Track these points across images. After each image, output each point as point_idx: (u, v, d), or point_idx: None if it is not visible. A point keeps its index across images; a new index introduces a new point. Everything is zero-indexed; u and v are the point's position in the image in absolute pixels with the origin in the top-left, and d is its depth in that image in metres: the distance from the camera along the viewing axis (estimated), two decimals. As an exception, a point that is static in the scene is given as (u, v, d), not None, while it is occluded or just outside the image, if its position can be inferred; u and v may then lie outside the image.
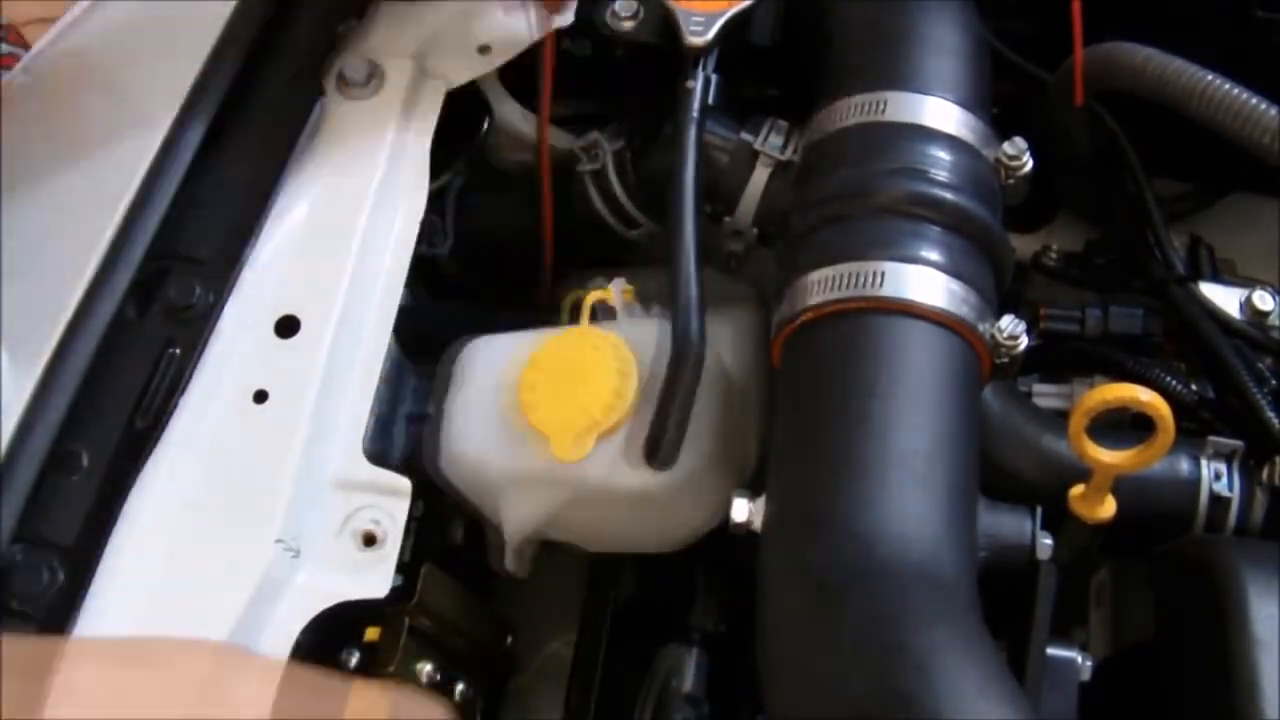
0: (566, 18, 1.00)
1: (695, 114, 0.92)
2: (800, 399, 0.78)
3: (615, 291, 0.90)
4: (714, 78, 0.94)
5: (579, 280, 1.00)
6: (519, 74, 1.05)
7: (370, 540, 0.81)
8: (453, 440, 0.88)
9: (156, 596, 0.74)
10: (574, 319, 0.92)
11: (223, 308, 0.85)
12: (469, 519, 0.92)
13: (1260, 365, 0.92)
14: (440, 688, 0.86)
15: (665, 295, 0.87)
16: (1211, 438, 0.88)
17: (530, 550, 0.90)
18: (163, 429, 0.80)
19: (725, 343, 0.93)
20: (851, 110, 0.87)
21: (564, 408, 0.84)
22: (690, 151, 0.90)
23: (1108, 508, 0.75)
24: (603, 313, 0.92)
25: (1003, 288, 0.85)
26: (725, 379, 0.89)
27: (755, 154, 0.95)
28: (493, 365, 0.89)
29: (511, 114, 1.10)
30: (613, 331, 0.87)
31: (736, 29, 0.97)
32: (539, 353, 0.87)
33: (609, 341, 0.86)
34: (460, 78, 1.00)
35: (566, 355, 0.86)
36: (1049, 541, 0.78)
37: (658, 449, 0.81)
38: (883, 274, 0.78)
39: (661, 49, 0.97)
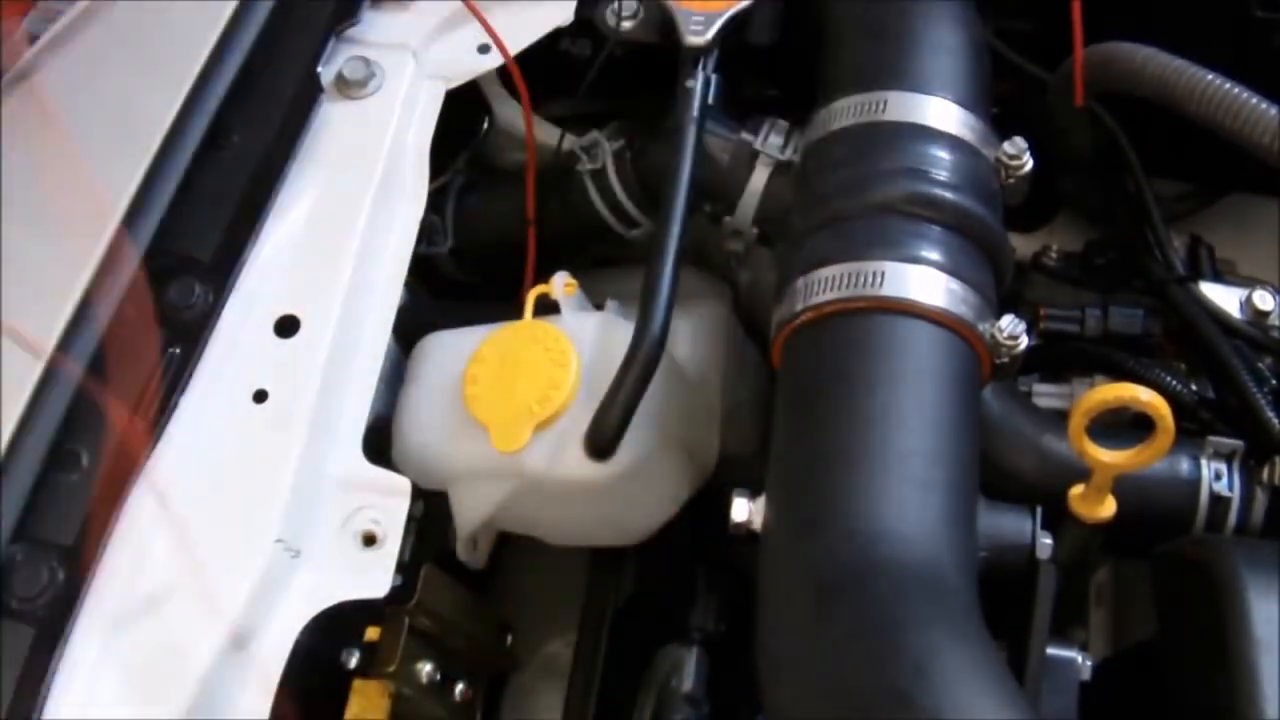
0: (565, 15, 1.00)
1: (695, 114, 0.92)
2: (800, 398, 0.78)
3: (557, 286, 0.91)
4: (714, 77, 0.94)
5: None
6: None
7: (370, 540, 0.81)
8: (403, 433, 0.89)
9: (156, 597, 0.74)
10: (540, 313, 0.93)
11: (223, 308, 0.85)
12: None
13: (1260, 365, 0.92)
14: (440, 687, 0.86)
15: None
16: (1211, 438, 0.88)
17: (486, 541, 0.91)
18: (163, 429, 0.80)
19: (683, 336, 0.94)
20: (852, 110, 0.87)
21: (503, 399, 0.85)
22: (688, 150, 0.90)
23: (1108, 508, 0.75)
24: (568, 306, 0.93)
25: (1003, 288, 0.85)
26: (678, 373, 0.90)
27: (755, 154, 0.95)
28: (443, 360, 0.90)
29: (511, 114, 1.10)
30: (555, 325, 0.88)
31: (736, 29, 0.97)
32: (483, 347, 0.88)
33: (549, 334, 0.87)
34: (460, 78, 1.00)
35: (507, 348, 0.87)
36: (1049, 541, 0.78)
37: (598, 440, 0.81)
38: (883, 274, 0.78)
39: (661, 49, 0.97)
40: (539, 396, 0.84)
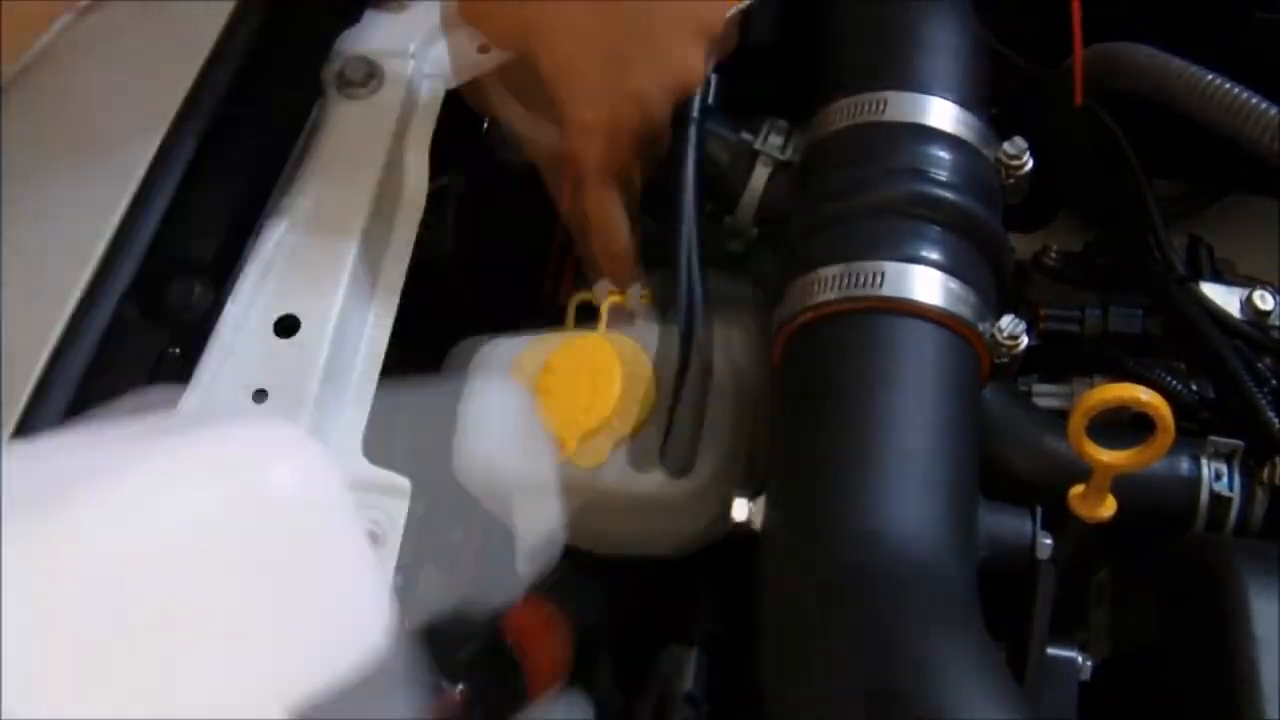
0: None
1: (695, 114, 0.92)
2: (799, 399, 0.78)
3: (633, 297, 0.90)
4: (714, 78, 0.94)
5: (573, 280, 1.00)
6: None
7: (370, 540, 0.80)
8: (468, 443, 0.88)
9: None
10: (580, 321, 0.92)
11: (223, 308, 0.85)
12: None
13: (1260, 365, 0.92)
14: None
15: (667, 297, 0.87)
16: (1211, 438, 0.88)
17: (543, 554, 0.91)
18: (162, 429, 0.80)
19: (736, 346, 0.93)
20: (851, 110, 0.87)
21: (579, 412, 0.84)
22: (690, 151, 0.90)
23: (1108, 507, 0.75)
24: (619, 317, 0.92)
25: (1003, 288, 0.85)
26: (738, 382, 0.90)
27: (755, 154, 0.95)
28: (503, 369, 0.89)
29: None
30: (629, 336, 0.88)
31: (736, 29, 0.97)
32: (555, 356, 0.87)
33: (626, 346, 0.86)
34: (460, 77, 1.00)
35: (582, 359, 0.86)
36: (1049, 541, 0.78)
37: (673, 455, 0.81)
38: (883, 274, 0.78)
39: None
40: (619, 410, 0.83)
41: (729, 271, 1.02)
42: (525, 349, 0.89)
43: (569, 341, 0.88)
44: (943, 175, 0.82)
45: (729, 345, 0.88)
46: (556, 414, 0.84)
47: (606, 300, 0.91)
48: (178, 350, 0.83)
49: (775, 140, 0.95)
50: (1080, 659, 0.78)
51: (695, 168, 0.89)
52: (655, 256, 0.91)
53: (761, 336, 0.97)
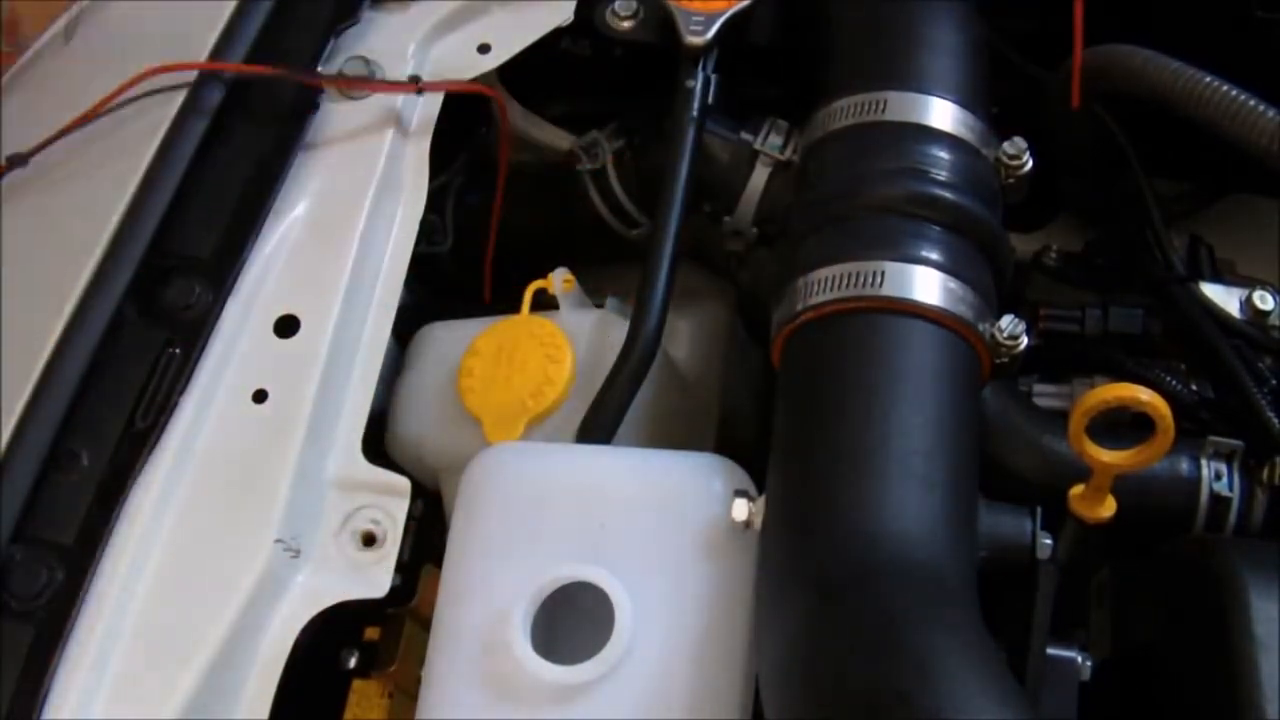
0: (565, 15, 1.00)
1: (694, 113, 0.92)
2: (800, 398, 0.78)
3: (556, 281, 0.91)
4: (713, 77, 0.94)
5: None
6: (519, 73, 1.06)
7: (370, 540, 0.81)
8: (397, 422, 0.90)
9: (156, 597, 0.74)
10: (535, 308, 0.93)
11: (223, 308, 0.85)
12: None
13: (1260, 365, 0.92)
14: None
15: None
16: (1211, 438, 0.88)
17: None
18: (163, 429, 0.80)
19: (683, 336, 0.94)
20: (852, 110, 0.87)
21: (498, 392, 0.86)
22: (687, 150, 0.90)
23: (1108, 508, 0.75)
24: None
25: (1003, 287, 0.85)
26: (674, 371, 0.90)
27: (755, 154, 0.95)
28: (440, 351, 0.91)
29: (511, 113, 1.10)
30: (552, 320, 0.89)
31: (736, 29, 0.97)
32: (479, 339, 0.89)
33: (545, 329, 0.88)
34: (460, 78, 1.00)
35: (504, 342, 0.88)
36: (1049, 541, 0.78)
37: (589, 437, 0.82)
38: (882, 273, 0.78)
39: (661, 49, 0.97)
40: (533, 391, 0.85)
41: (696, 264, 1.03)
42: (470, 333, 0.90)
43: (494, 325, 0.90)
44: (942, 175, 0.82)
45: (675, 335, 0.89)
46: (477, 394, 0.87)
47: (531, 286, 0.92)
48: (177, 350, 0.83)
49: (775, 140, 0.95)
50: (1080, 659, 0.78)
51: (689, 166, 0.89)
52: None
53: (717, 330, 0.98)
